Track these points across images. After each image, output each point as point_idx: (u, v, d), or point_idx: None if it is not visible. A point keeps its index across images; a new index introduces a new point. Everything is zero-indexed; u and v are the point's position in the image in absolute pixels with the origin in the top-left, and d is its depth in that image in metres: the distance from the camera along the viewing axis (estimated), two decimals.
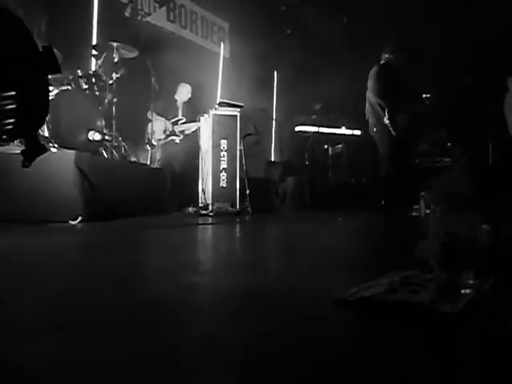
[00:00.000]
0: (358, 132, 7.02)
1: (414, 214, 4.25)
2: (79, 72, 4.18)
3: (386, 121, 4.51)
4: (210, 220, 3.85)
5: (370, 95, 4.64)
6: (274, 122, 7.49)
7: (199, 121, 4.85)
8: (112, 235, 2.69)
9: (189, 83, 5.47)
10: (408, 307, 0.94)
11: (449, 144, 5.98)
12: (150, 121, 5.09)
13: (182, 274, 1.47)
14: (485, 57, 5.25)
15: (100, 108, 4.30)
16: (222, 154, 4.47)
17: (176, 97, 5.45)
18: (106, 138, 4.17)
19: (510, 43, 4.90)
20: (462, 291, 1.00)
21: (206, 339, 0.82)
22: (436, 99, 4.94)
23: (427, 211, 3.80)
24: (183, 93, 5.43)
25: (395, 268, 1.29)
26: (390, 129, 4.50)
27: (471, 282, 1.02)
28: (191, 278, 1.43)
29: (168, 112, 5.27)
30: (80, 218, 3.15)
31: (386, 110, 4.51)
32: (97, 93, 4.32)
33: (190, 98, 5.49)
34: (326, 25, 7.16)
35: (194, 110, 5.32)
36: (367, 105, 4.69)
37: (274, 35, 7.00)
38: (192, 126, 5.12)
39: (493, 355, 0.60)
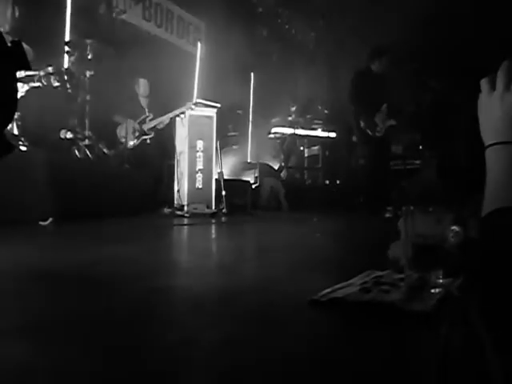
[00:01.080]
0: (333, 134, 7.11)
1: (387, 215, 4.34)
2: (50, 69, 4.06)
3: (362, 124, 4.61)
4: (185, 221, 3.81)
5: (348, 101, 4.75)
6: (250, 122, 7.50)
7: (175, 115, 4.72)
8: (83, 236, 2.63)
9: (146, 78, 5.35)
10: (380, 307, 0.96)
11: (421, 147, 6.13)
12: (119, 124, 5.00)
13: (155, 276, 1.45)
14: (457, 59, 5.41)
15: (73, 106, 4.20)
16: (197, 154, 4.43)
17: (138, 93, 5.34)
18: (79, 136, 4.07)
19: (482, 45, 5.08)
20: (432, 290, 1.03)
21: (181, 342, 0.81)
22: (411, 103, 5.06)
23: (399, 212, 3.88)
24: (141, 87, 5.33)
25: (368, 268, 1.31)
26: (367, 131, 4.59)
27: (441, 281, 1.05)
28: (165, 280, 1.41)
29: (135, 112, 5.16)
30: (50, 219, 3.06)
31: (362, 114, 4.61)
32: (69, 90, 4.21)
33: (148, 93, 5.38)
34: (303, 28, 7.23)
35: (159, 106, 5.23)
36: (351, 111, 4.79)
37: (250, 37, 7.01)
38: (163, 120, 4.98)
39: (459, 356, 0.61)
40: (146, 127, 5.11)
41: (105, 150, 4.44)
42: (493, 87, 0.77)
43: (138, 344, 0.80)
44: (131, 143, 5.02)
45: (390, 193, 4.70)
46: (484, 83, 0.78)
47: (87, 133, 4.25)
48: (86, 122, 4.30)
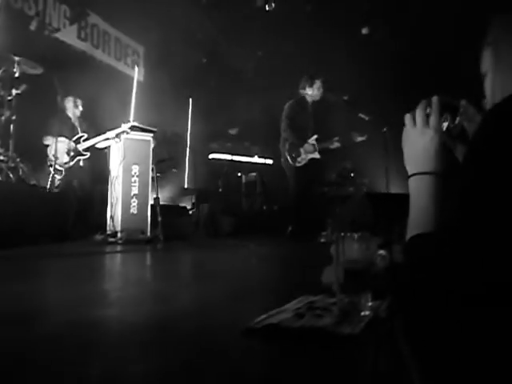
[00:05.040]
0: (270, 161, 7.27)
1: (322, 240, 4.46)
2: None
3: (286, 152, 4.78)
4: (118, 248, 3.65)
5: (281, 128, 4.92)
6: (188, 148, 7.46)
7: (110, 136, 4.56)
8: (3, 265, 2.41)
9: (79, 97, 5.19)
10: (313, 332, 0.97)
11: (352, 174, 6.46)
12: (48, 146, 4.75)
13: (83, 307, 1.36)
14: (384, 91, 5.86)
15: None
16: (133, 179, 4.30)
17: (68, 113, 5.13)
18: (1, 158, 3.79)
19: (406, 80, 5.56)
20: (362, 313, 1.07)
21: (107, 377, 0.76)
22: (343, 132, 5.33)
23: (333, 238, 4.01)
24: (71, 107, 5.14)
25: (303, 293, 1.33)
26: (288, 159, 4.76)
27: (369, 304, 1.09)
28: (94, 311, 1.33)
29: (67, 131, 4.95)
30: None
31: (288, 143, 4.79)
32: None
33: (81, 112, 5.20)
34: (242, 56, 7.44)
35: (93, 125, 5.08)
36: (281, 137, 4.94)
37: (189, 62, 7.06)
38: (100, 140, 4.78)
39: (386, 376, 0.64)
40: (80, 147, 4.90)
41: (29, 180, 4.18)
42: (415, 122, 0.84)
43: (60, 381, 0.74)
44: (64, 164, 4.77)
45: (325, 218, 4.86)
46: (407, 118, 0.85)
47: (11, 154, 3.98)
48: (10, 142, 4.03)
